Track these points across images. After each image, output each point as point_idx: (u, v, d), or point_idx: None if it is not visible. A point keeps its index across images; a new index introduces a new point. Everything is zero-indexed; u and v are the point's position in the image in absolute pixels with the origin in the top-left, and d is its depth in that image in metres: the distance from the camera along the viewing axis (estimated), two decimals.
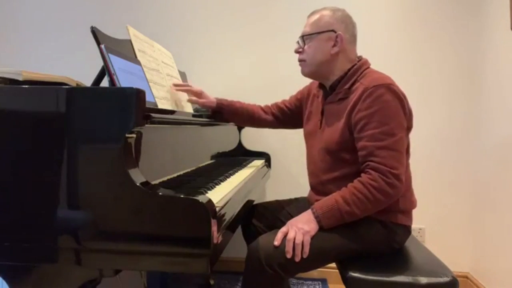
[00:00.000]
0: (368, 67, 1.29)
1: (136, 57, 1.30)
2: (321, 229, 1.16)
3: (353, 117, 1.19)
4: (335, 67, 1.29)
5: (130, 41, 1.34)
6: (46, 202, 0.84)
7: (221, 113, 1.61)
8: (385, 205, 1.16)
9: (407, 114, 1.19)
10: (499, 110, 1.84)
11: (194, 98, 1.54)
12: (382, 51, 2.11)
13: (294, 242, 1.11)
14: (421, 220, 2.09)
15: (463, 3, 2.05)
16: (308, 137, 1.44)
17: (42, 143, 0.85)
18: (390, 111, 1.15)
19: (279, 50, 2.20)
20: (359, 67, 1.27)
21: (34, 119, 0.85)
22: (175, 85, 1.49)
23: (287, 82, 2.19)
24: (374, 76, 1.21)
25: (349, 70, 1.27)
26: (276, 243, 1.12)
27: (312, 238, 1.14)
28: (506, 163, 1.77)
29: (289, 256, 1.10)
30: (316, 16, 1.30)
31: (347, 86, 1.26)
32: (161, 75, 1.44)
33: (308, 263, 1.16)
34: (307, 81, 2.29)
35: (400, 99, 1.17)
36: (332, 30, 1.26)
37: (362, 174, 1.16)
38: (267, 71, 2.22)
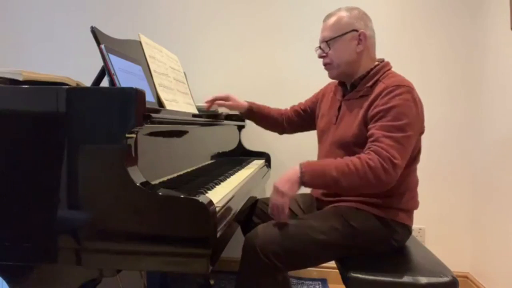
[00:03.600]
0: (390, 69, 1.31)
1: (147, 63, 1.36)
2: (303, 184, 1.15)
3: (370, 111, 1.21)
4: (360, 65, 1.31)
5: (130, 41, 1.35)
6: (46, 202, 0.84)
7: (251, 116, 1.74)
8: (373, 190, 1.16)
9: (421, 119, 1.22)
10: (499, 110, 1.84)
11: (221, 101, 1.65)
12: (382, 51, 2.10)
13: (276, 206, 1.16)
14: (421, 220, 2.08)
15: (463, 3, 2.05)
16: (321, 134, 1.46)
17: (42, 143, 0.85)
18: (405, 109, 1.16)
19: (280, 49, 2.20)
20: (382, 67, 1.30)
21: (34, 119, 0.85)
22: (207, 102, 1.66)
23: (288, 80, 2.20)
24: (396, 78, 1.24)
25: (371, 69, 1.30)
26: (270, 211, 1.18)
27: (309, 232, 1.16)
28: (506, 163, 1.77)
29: (274, 218, 1.18)
30: (333, 19, 1.31)
31: (369, 84, 1.28)
32: (169, 78, 1.51)
33: (304, 256, 1.17)
34: (309, 79, 2.30)
35: (416, 102, 1.19)
36: (354, 30, 1.28)
37: (362, 154, 1.15)
38: (267, 70, 2.22)
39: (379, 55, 1.38)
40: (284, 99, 2.20)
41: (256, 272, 1.14)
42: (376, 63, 1.32)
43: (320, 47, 1.35)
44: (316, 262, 1.26)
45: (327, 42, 1.32)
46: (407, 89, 1.18)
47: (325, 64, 1.36)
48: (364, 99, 1.26)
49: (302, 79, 2.19)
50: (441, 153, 2.10)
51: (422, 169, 2.04)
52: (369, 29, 1.31)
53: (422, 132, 1.26)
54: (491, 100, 1.92)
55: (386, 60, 1.34)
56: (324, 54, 1.34)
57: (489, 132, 1.94)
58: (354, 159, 1.14)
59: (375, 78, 1.27)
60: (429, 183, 2.09)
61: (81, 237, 0.84)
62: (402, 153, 1.14)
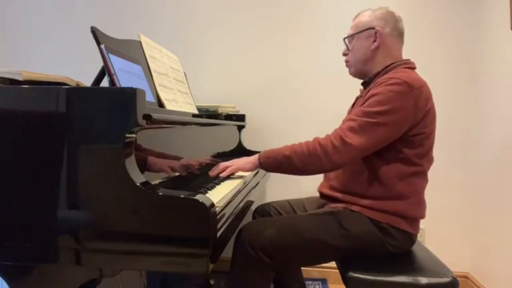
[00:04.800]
0: (407, 67, 1.27)
1: (147, 63, 1.36)
2: (260, 165, 1.23)
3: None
4: (375, 62, 1.31)
5: (130, 41, 1.35)
6: (46, 202, 0.84)
7: None
8: (326, 168, 1.17)
9: (416, 116, 1.15)
10: (499, 110, 1.84)
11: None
12: None
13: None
14: (421, 220, 2.08)
15: (463, 3, 2.05)
16: None
17: (42, 143, 0.85)
18: (384, 98, 1.14)
19: (283, 50, 2.20)
20: (398, 65, 1.28)
21: (34, 119, 0.85)
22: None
23: (290, 81, 2.20)
24: (402, 73, 1.20)
25: (387, 66, 1.28)
26: (211, 173, 1.27)
27: (297, 229, 1.17)
28: (506, 163, 1.77)
29: (211, 173, 1.27)
30: (357, 18, 1.35)
31: (379, 80, 1.24)
32: (169, 78, 1.51)
33: (291, 253, 1.18)
34: (311, 80, 2.30)
35: (406, 97, 1.13)
36: (371, 28, 1.29)
37: None
38: (270, 71, 2.22)
39: None
40: (286, 99, 2.21)
41: (244, 266, 1.16)
42: (392, 61, 1.29)
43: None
44: (307, 261, 1.26)
45: (346, 39, 1.36)
46: (399, 82, 1.14)
47: (345, 62, 1.39)
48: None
49: (305, 80, 2.19)
50: (441, 153, 2.09)
51: None
52: (391, 28, 1.29)
53: (423, 132, 1.19)
54: (491, 101, 1.92)
55: (410, 61, 1.31)
56: (347, 52, 1.37)
57: (489, 132, 1.94)
58: (309, 140, 1.18)
59: (386, 75, 1.24)
60: (430, 183, 2.08)
61: (81, 237, 0.84)
62: (360, 136, 1.12)
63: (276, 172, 1.24)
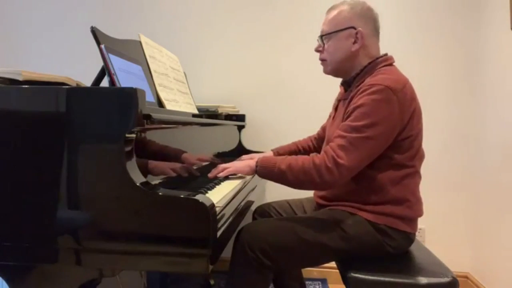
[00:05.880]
0: (387, 65, 1.24)
1: (147, 63, 1.36)
2: (256, 172, 1.23)
3: (346, 112, 1.19)
4: (356, 63, 1.26)
5: (130, 41, 1.35)
6: (46, 202, 0.84)
7: None
8: (318, 187, 1.19)
9: (402, 120, 1.13)
10: (499, 111, 1.84)
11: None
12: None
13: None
14: (421, 220, 2.06)
15: (463, 3, 2.05)
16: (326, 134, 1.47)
17: (42, 143, 0.85)
18: (369, 109, 1.10)
19: (282, 50, 2.20)
20: (376, 64, 1.23)
21: (34, 119, 0.85)
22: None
23: (290, 81, 2.20)
24: (382, 76, 1.16)
25: (364, 67, 1.24)
26: (210, 174, 1.29)
27: (296, 231, 1.17)
28: (506, 163, 1.77)
29: (210, 174, 1.29)
30: (334, 13, 1.27)
31: (358, 83, 1.22)
32: (169, 78, 1.51)
33: (290, 255, 1.17)
34: (311, 80, 2.29)
35: (390, 102, 1.10)
36: (352, 27, 1.23)
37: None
38: (269, 71, 2.22)
39: None
40: (286, 99, 2.21)
41: (244, 267, 1.15)
42: (370, 60, 1.25)
43: (318, 40, 1.32)
44: (306, 263, 1.25)
45: (323, 37, 1.29)
46: (380, 88, 1.10)
47: (320, 59, 1.33)
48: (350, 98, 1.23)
49: (304, 80, 2.19)
50: (441, 153, 2.10)
51: (423, 170, 2.05)
52: (370, 28, 1.24)
53: (412, 135, 1.17)
54: (491, 101, 1.92)
55: (388, 56, 1.27)
56: (320, 49, 1.31)
57: (489, 132, 1.94)
58: (306, 156, 1.16)
59: (366, 76, 1.22)
60: (429, 183, 2.08)
61: (81, 237, 0.84)
62: (351, 154, 1.09)
63: (270, 181, 1.24)
